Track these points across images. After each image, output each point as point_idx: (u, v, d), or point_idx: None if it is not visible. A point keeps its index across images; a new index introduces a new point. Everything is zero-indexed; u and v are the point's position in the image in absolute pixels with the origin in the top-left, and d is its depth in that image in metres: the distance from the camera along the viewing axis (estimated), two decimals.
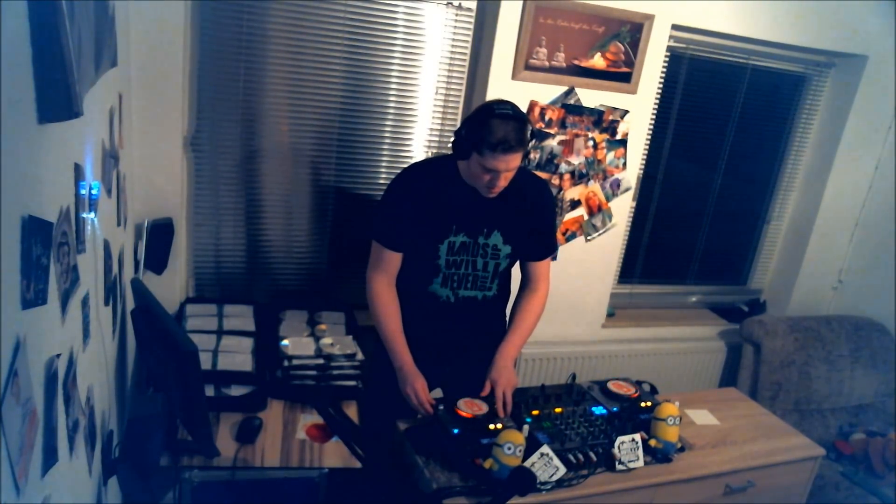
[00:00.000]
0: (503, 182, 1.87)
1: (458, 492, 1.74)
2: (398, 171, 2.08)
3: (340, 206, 2.63)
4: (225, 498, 1.81)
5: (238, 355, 2.14)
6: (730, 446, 2.16)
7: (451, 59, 2.56)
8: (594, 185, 2.80)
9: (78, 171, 1.15)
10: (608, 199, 2.85)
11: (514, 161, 1.82)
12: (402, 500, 1.90)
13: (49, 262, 0.92)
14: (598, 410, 2.06)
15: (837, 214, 3.32)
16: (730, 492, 2.09)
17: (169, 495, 1.86)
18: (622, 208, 2.89)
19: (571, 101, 2.62)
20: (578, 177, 2.75)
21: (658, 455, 2.00)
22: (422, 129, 2.62)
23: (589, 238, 2.87)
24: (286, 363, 2.12)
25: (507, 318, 2.20)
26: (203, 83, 2.30)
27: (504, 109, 1.80)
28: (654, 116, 2.88)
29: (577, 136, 2.68)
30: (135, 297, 1.86)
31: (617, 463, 1.90)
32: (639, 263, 3.24)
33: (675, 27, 2.69)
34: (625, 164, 2.81)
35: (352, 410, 2.06)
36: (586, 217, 2.83)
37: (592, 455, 1.89)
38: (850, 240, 3.41)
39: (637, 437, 1.95)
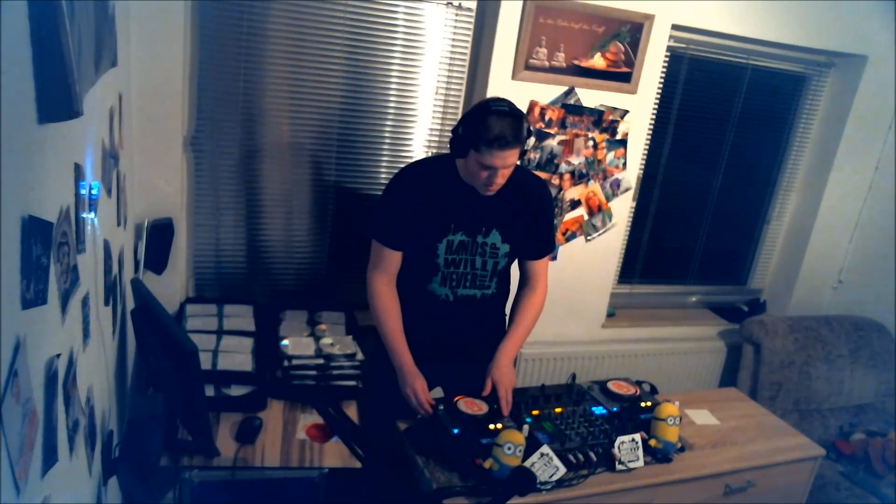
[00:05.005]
0: (501, 179, 1.87)
1: (458, 492, 1.74)
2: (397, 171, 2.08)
3: (340, 206, 2.63)
4: (225, 498, 1.81)
5: (238, 355, 2.14)
6: (730, 446, 2.17)
7: (451, 59, 2.56)
8: (594, 185, 2.80)
9: (78, 171, 1.15)
10: (608, 199, 2.85)
11: (511, 157, 1.82)
12: (402, 500, 1.90)
13: (49, 262, 0.92)
14: (598, 410, 2.06)
15: (837, 214, 3.32)
16: (730, 492, 2.09)
17: (169, 495, 1.86)
18: (622, 208, 2.89)
19: (571, 101, 2.62)
20: (578, 177, 2.75)
21: (658, 455, 2.00)
22: (422, 128, 2.62)
23: (589, 238, 2.87)
24: (286, 363, 2.12)
25: (507, 317, 2.20)
26: (203, 83, 2.30)
27: (500, 106, 1.80)
28: (654, 116, 2.88)
29: (577, 136, 2.68)
30: (135, 297, 1.86)
31: (617, 463, 1.90)
32: (639, 263, 3.24)
33: (675, 27, 2.68)
34: (625, 164, 2.81)
35: (352, 410, 2.06)
36: (586, 217, 2.83)
37: (592, 455, 1.89)
38: (850, 240, 3.41)
39: (637, 437, 1.96)
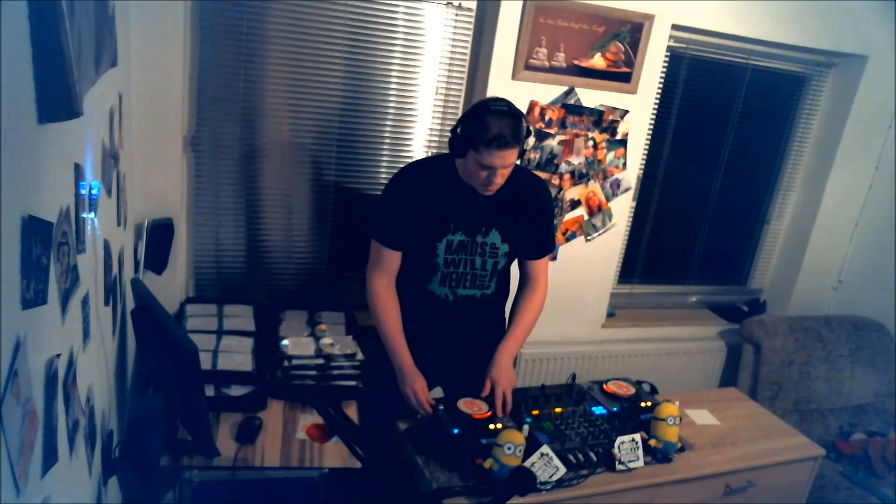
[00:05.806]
0: (500, 179, 1.87)
1: (458, 492, 1.74)
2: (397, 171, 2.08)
3: (340, 206, 2.63)
4: (225, 498, 1.81)
5: (238, 355, 2.14)
6: (730, 446, 2.17)
7: (451, 59, 2.56)
8: (594, 185, 2.80)
9: (78, 171, 1.15)
10: (608, 199, 2.85)
11: (510, 157, 1.82)
12: (402, 500, 1.90)
13: (49, 262, 0.92)
14: (598, 410, 2.06)
15: (837, 214, 3.32)
16: (730, 492, 2.09)
17: (169, 495, 1.86)
18: (622, 208, 2.89)
19: (571, 101, 2.62)
20: (578, 177, 2.75)
21: (658, 455, 2.00)
22: (422, 128, 2.62)
23: (589, 238, 2.87)
24: (286, 363, 2.12)
25: (507, 317, 2.20)
26: (203, 83, 2.30)
27: (499, 106, 1.80)
28: (654, 116, 2.88)
29: (577, 136, 2.68)
30: (135, 297, 1.86)
31: (617, 463, 1.90)
32: (639, 263, 3.24)
33: (675, 27, 2.68)
34: (625, 164, 2.81)
35: (352, 410, 2.06)
36: (586, 217, 2.83)
37: (592, 455, 1.89)
38: (850, 240, 3.41)
39: (637, 437, 1.96)
